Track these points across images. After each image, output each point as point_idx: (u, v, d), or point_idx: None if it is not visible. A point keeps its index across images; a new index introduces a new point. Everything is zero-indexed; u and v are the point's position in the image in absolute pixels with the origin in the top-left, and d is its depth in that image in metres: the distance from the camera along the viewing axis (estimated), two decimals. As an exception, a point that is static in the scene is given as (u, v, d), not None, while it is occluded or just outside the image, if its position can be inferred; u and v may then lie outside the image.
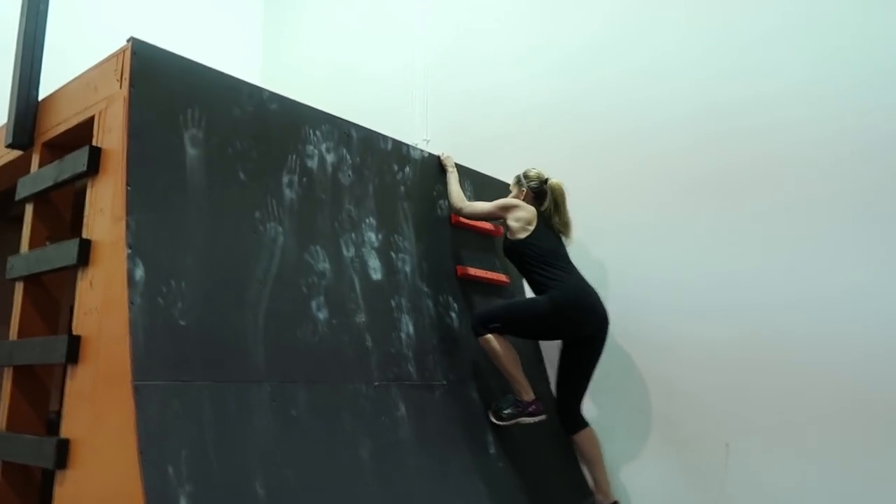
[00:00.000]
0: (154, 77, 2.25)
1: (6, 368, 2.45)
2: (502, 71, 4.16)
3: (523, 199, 3.15)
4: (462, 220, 3.32)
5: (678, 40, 3.41)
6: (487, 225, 3.45)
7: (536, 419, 2.93)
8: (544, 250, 3.00)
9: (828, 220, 2.87)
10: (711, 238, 3.18)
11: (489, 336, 2.92)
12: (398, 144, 3.17)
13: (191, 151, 2.28)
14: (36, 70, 2.68)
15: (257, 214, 2.43)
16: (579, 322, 2.98)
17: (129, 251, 2.01)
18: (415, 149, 3.27)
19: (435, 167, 3.34)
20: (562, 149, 3.70)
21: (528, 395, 2.94)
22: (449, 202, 3.25)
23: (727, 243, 3.12)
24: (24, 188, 2.57)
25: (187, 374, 2.01)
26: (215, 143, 2.37)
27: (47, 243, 2.60)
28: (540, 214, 3.09)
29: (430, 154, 3.34)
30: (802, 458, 2.79)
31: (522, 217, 3.05)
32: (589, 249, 3.51)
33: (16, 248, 2.57)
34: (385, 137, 3.11)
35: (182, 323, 2.06)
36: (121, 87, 2.22)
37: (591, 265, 3.38)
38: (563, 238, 3.14)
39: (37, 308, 2.48)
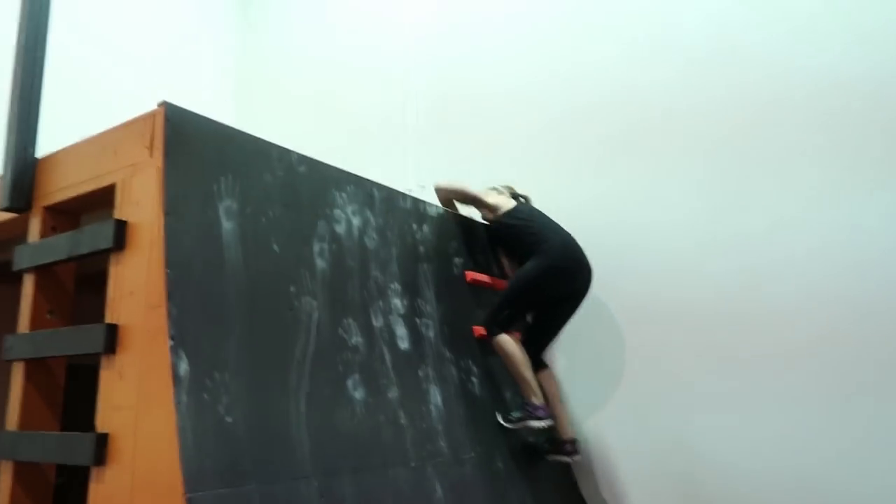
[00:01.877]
0: (187, 144, 2.08)
1: (3, 462, 2.19)
2: (496, 117, 4.10)
3: None
4: (477, 277, 3.23)
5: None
6: (501, 283, 3.36)
7: (544, 423, 2.91)
8: (526, 216, 3.17)
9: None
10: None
11: (502, 337, 2.95)
12: (416, 202, 3.06)
13: (226, 225, 2.11)
14: (33, 124, 2.45)
15: (292, 289, 2.27)
16: (572, 273, 3.05)
17: (172, 343, 1.82)
18: (430, 205, 3.16)
19: (449, 223, 3.24)
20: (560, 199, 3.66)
21: (538, 398, 2.93)
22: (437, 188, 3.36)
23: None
24: (24, 258, 2.32)
25: (238, 478, 1.83)
26: (250, 213, 2.20)
27: (49, 317, 2.35)
28: (520, 203, 3.31)
29: (444, 211, 3.24)
30: None
31: (499, 198, 3.27)
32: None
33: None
34: (404, 196, 2.99)
35: (228, 420, 1.88)
36: (151, 154, 2.04)
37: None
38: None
39: (42, 395, 2.23)
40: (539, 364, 3.13)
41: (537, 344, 3.16)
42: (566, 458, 3.06)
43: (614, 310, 3.42)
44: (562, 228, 3.14)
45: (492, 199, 3.29)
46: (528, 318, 3.23)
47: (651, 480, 3.22)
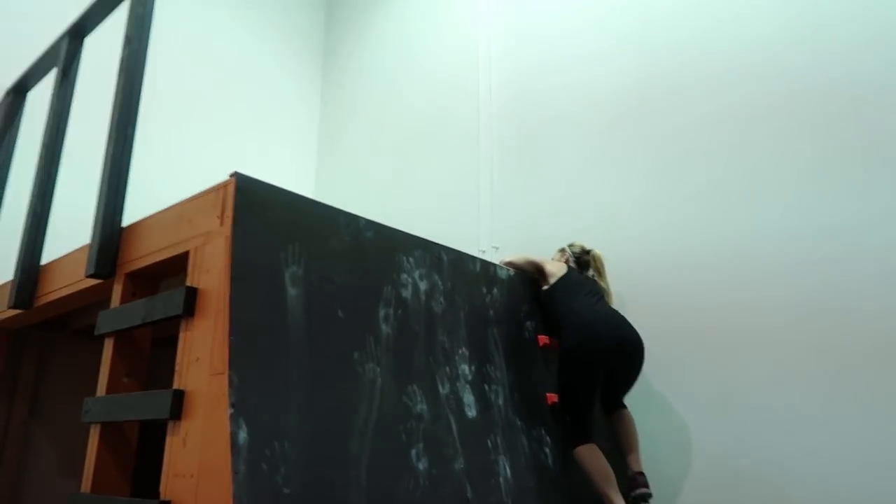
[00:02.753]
0: (256, 213, 2.13)
1: (78, 524, 2.24)
2: (573, 178, 4.04)
3: None
4: (549, 342, 3.13)
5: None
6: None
7: None
8: (570, 292, 3.10)
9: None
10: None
11: (577, 449, 2.83)
12: (486, 265, 3.02)
13: (291, 291, 2.13)
14: (121, 196, 2.59)
15: (356, 355, 2.25)
16: (602, 350, 2.91)
17: (232, 411, 1.82)
18: (501, 268, 3.11)
19: (520, 286, 3.18)
20: (636, 261, 3.53)
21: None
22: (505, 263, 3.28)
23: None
24: (106, 323, 2.42)
25: (293, 553, 1.79)
26: (315, 279, 2.22)
27: (125, 380, 2.43)
28: (572, 270, 3.25)
29: (515, 273, 3.18)
30: None
31: (554, 268, 3.23)
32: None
33: (75, 363, 2.40)
34: (473, 259, 2.96)
35: (286, 491, 1.85)
36: (221, 223, 2.10)
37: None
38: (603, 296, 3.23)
39: (113, 457, 2.28)
40: (618, 406, 3.09)
41: (610, 400, 3.10)
42: (645, 491, 2.87)
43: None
44: (601, 304, 3.09)
45: (549, 267, 3.24)
46: None
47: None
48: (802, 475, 2.84)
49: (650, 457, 3.07)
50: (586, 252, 3.40)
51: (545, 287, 3.21)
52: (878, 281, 2.81)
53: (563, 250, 3.44)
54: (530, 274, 3.29)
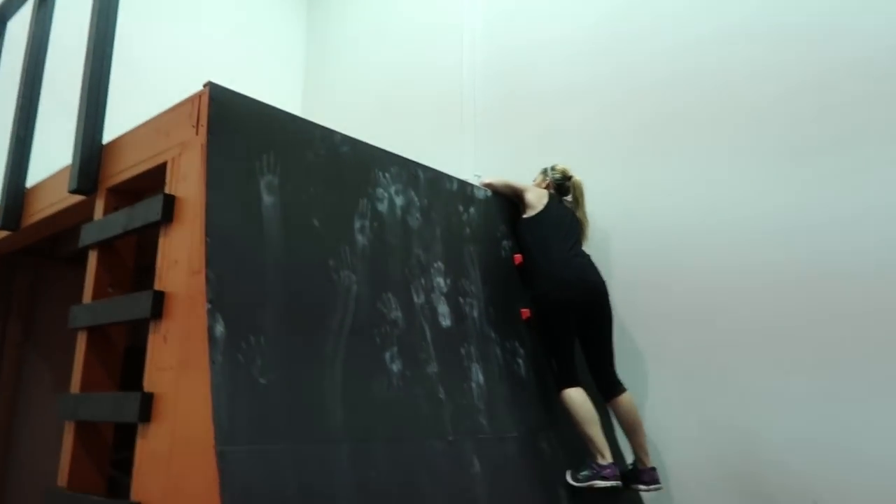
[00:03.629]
0: (231, 122, 2.18)
1: (67, 423, 2.36)
2: (555, 109, 4.07)
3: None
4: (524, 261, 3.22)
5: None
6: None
7: (611, 483, 2.75)
8: (548, 230, 3.10)
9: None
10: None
11: (563, 393, 2.86)
12: (463, 185, 3.09)
13: (267, 199, 2.20)
14: (101, 114, 2.63)
15: (331, 262, 2.34)
16: (570, 299, 2.95)
17: (210, 306, 1.91)
18: (478, 189, 3.18)
19: (498, 207, 3.25)
20: (619, 188, 3.59)
21: (604, 458, 2.78)
22: (483, 185, 3.34)
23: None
24: (89, 235, 2.50)
25: (269, 437, 1.90)
26: (290, 189, 2.28)
27: (110, 290, 2.52)
28: (552, 201, 3.22)
29: (492, 194, 3.25)
30: None
31: (535, 198, 3.21)
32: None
33: (65, 288, 2.49)
34: (451, 178, 3.02)
35: (262, 382, 1.96)
36: (197, 132, 2.15)
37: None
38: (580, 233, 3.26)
39: (99, 359, 2.39)
40: (614, 388, 3.01)
41: (598, 369, 3.05)
42: (644, 488, 2.90)
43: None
44: (571, 249, 3.07)
45: (530, 196, 3.23)
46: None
47: (709, 474, 3.10)
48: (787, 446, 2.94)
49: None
50: (567, 178, 3.39)
51: (524, 216, 3.23)
52: (863, 254, 2.83)
53: (544, 172, 3.44)
54: (509, 198, 3.34)
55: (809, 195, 2.98)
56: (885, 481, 2.63)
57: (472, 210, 3.08)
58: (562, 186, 3.38)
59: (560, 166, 3.44)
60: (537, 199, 3.21)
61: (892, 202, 2.77)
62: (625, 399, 2.99)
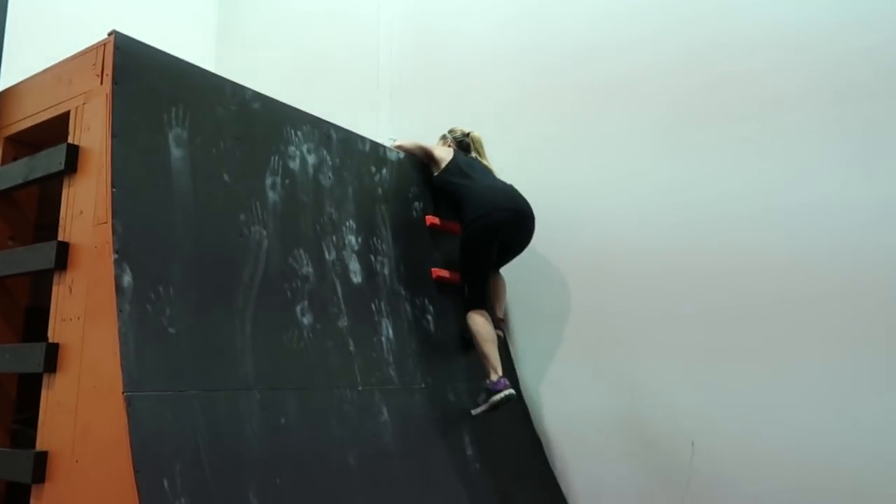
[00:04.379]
0: (137, 73, 2.16)
1: (-34, 376, 2.31)
2: (471, 72, 4.17)
3: None
4: (436, 222, 3.32)
5: None
6: (458, 227, 3.44)
7: (506, 393, 2.95)
8: (458, 171, 3.25)
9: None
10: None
11: (468, 314, 3.07)
12: (375, 146, 3.15)
13: (175, 152, 2.20)
14: (-5, 60, 2.54)
15: (242, 217, 2.37)
16: (504, 222, 3.11)
17: (116, 256, 1.92)
18: (391, 150, 3.25)
19: (410, 168, 3.33)
20: (536, 144, 3.74)
21: (497, 373, 2.99)
22: (396, 146, 3.41)
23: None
24: (-14, 185, 2.42)
25: (178, 383, 1.95)
26: (200, 143, 2.29)
27: (10, 243, 2.46)
28: (458, 153, 3.37)
29: (405, 156, 3.32)
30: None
31: (442, 153, 3.36)
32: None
33: None
34: (363, 139, 3.08)
35: (171, 331, 1.99)
36: (101, 82, 2.13)
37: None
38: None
39: (1, 313, 2.34)
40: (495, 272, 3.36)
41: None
42: (502, 395, 2.97)
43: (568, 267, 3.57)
44: (492, 179, 3.26)
45: (437, 152, 3.36)
46: None
47: (601, 419, 3.35)
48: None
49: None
50: (466, 135, 3.49)
51: (436, 173, 3.35)
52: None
53: (444, 137, 3.53)
54: (420, 158, 3.43)
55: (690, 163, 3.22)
56: (751, 421, 2.94)
57: (384, 171, 3.15)
58: (462, 143, 3.48)
59: (458, 128, 3.53)
60: (445, 153, 3.36)
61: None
62: (500, 275, 3.41)
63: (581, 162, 3.59)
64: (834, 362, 2.80)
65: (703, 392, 3.07)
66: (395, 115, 4.44)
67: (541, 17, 3.91)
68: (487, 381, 2.97)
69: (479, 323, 3.05)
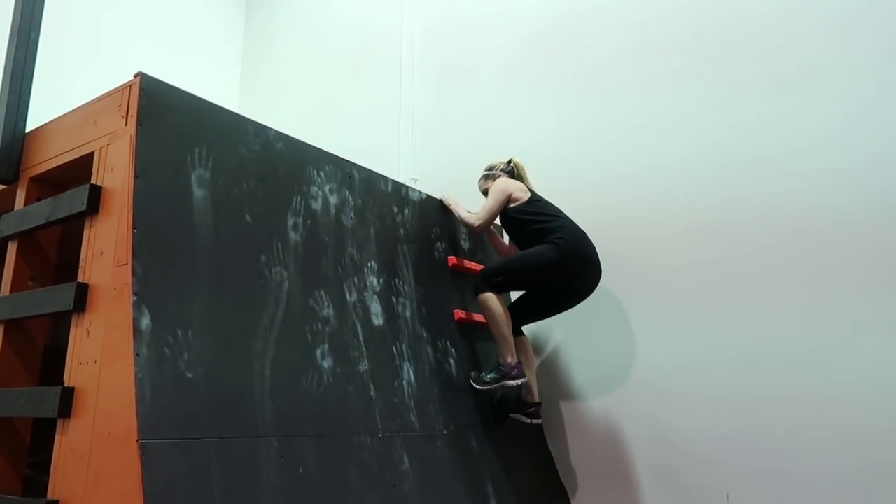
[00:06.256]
0: (161, 114, 2.15)
1: (-20, 419, 2.27)
2: (492, 111, 4.16)
3: None
4: (458, 263, 3.27)
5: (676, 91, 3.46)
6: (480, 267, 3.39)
7: (519, 382, 2.93)
8: (546, 206, 3.13)
9: (835, 275, 2.90)
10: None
11: (488, 294, 2.97)
12: (398, 186, 3.12)
13: (197, 192, 2.18)
14: (24, 101, 2.55)
15: (263, 258, 2.33)
16: (579, 272, 3.04)
17: (135, 298, 1.89)
18: (413, 190, 3.21)
19: (432, 209, 3.29)
20: (552, 190, 3.68)
21: (513, 358, 2.95)
22: (466, 226, 3.22)
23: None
24: (9, 225, 2.41)
25: (195, 430, 1.89)
26: (222, 183, 2.27)
27: (30, 283, 2.44)
28: (534, 193, 3.21)
29: (427, 196, 3.29)
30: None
31: (519, 187, 3.18)
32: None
33: None
34: (385, 179, 3.05)
35: (189, 375, 1.94)
36: (126, 123, 2.12)
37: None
38: None
39: (17, 354, 2.31)
40: (516, 332, 3.15)
41: (524, 318, 3.21)
42: (526, 420, 3.08)
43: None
44: (575, 223, 3.09)
45: (512, 188, 3.14)
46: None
47: (630, 469, 3.22)
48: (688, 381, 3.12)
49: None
50: (508, 163, 3.35)
51: (515, 206, 3.10)
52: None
53: (489, 176, 3.32)
54: (501, 208, 3.15)
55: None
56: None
57: (406, 211, 3.11)
58: (512, 173, 3.33)
59: (496, 161, 3.38)
60: (519, 189, 3.17)
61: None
62: (525, 339, 3.22)
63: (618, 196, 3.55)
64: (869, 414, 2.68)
65: (737, 442, 2.94)
66: (418, 154, 4.43)
67: (561, 51, 3.92)
68: (501, 362, 2.94)
69: (497, 304, 2.96)
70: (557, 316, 3.31)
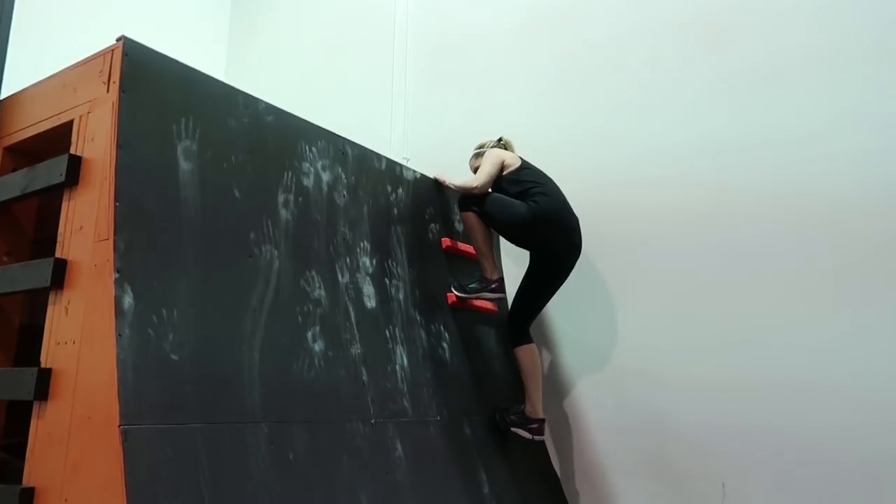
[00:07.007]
0: (146, 81, 2.03)
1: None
2: (486, 90, 4.06)
3: None
4: (452, 245, 3.18)
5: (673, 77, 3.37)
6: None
7: (498, 296, 3.03)
8: (534, 173, 3.08)
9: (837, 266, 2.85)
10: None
11: (469, 214, 3.02)
12: (392, 164, 3.01)
13: (184, 165, 2.06)
14: (-2, 66, 2.42)
15: (252, 236, 2.22)
16: (554, 240, 2.98)
17: (117, 276, 1.78)
18: (407, 169, 3.11)
19: (427, 188, 3.19)
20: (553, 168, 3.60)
21: (494, 274, 3.04)
22: (463, 193, 3.07)
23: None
24: (-20, 198, 2.28)
25: (180, 415, 1.79)
26: (210, 156, 2.16)
27: (5, 259, 2.32)
28: (524, 161, 3.17)
29: (422, 175, 3.19)
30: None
31: (510, 155, 3.15)
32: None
33: None
34: (379, 156, 2.95)
35: (174, 357, 1.84)
36: (108, 90, 2.00)
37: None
38: None
39: (-7, 333, 2.20)
40: (524, 338, 3.06)
41: (524, 315, 3.09)
42: (528, 436, 2.95)
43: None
44: (561, 191, 3.05)
45: (505, 156, 3.09)
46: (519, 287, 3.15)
47: (624, 458, 3.17)
48: (679, 369, 3.06)
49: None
50: (499, 140, 3.29)
51: (506, 175, 3.04)
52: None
53: (480, 155, 3.23)
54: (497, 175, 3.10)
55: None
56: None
57: (399, 190, 3.01)
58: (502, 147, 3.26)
59: (486, 139, 3.31)
60: (511, 157, 3.13)
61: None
62: (531, 348, 3.06)
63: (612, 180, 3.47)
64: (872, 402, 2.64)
65: (734, 430, 2.89)
66: (410, 133, 4.32)
67: (558, 31, 3.81)
68: (483, 277, 3.03)
69: (476, 221, 3.00)
70: (550, 302, 3.23)
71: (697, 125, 3.22)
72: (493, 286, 3.00)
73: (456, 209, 3.26)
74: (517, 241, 3.13)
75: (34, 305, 2.51)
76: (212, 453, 1.81)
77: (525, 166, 3.09)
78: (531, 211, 2.90)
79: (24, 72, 2.48)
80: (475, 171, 3.24)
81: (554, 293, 3.12)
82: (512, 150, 3.25)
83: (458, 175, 3.22)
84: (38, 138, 2.25)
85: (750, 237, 2.99)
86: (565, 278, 3.07)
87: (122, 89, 1.96)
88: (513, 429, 2.97)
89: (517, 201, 2.95)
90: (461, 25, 4.27)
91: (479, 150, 3.29)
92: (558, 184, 3.09)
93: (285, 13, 5.33)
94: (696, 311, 3.08)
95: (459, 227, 3.32)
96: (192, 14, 5.27)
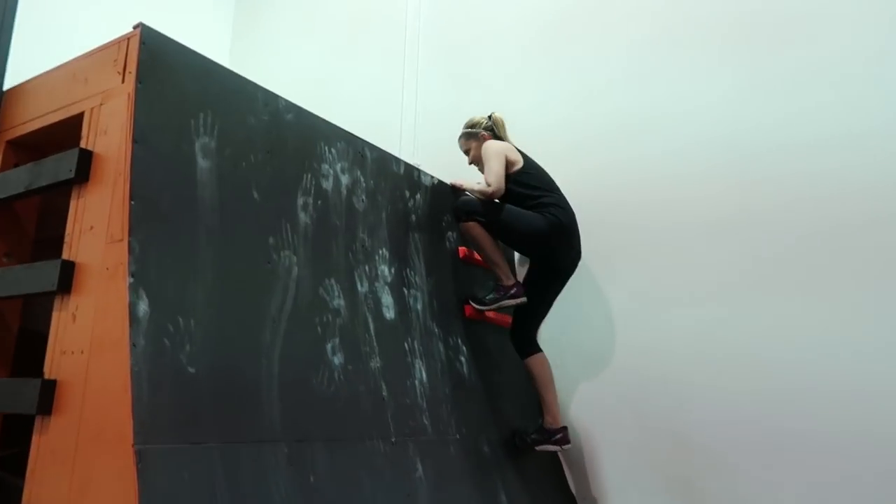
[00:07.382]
0: (164, 72, 1.90)
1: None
2: (497, 93, 3.95)
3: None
4: (470, 254, 3.07)
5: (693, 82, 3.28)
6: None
7: (518, 301, 2.89)
8: (539, 175, 2.99)
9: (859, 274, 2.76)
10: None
11: (471, 224, 2.85)
12: (409, 168, 2.89)
13: (202, 163, 1.93)
14: (2, 55, 2.27)
15: (271, 240, 2.09)
16: (563, 251, 2.93)
17: (132, 280, 1.64)
18: (425, 174, 2.99)
19: (444, 195, 3.06)
20: (559, 177, 3.49)
21: (510, 279, 2.91)
22: (484, 196, 2.86)
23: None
24: (-20, 194, 2.14)
25: (197, 434, 1.65)
26: (229, 154, 2.02)
27: (5, 260, 2.17)
28: (527, 157, 3.05)
29: (439, 181, 3.06)
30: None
31: (510, 148, 3.00)
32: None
33: None
34: (397, 160, 2.82)
35: (191, 370, 1.70)
36: (123, 80, 1.86)
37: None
38: None
39: (-10, 339, 2.04)
40: (533, 348, 2.97)
41: (530, 324, 3.00)
42: (555, 448, 2.86)
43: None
44: (565, 197, 2.99)
45: (508, 152, 2.95)
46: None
47: (645, 478, 3.04)
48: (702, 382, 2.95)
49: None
50: (488, 118, 3.14)
51: (513, 170, 2.92)
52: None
53: (472, 136, 3.10)
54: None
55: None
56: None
57: (418, 196, 2.89)
58: (491, 129, 3.13)
59: (476, 117, 3.17)
60: (513, 153, 2.98)
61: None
62: (542, 357, 2.97)
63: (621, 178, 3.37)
64: None
65: (761, 447, 2.78)
66: (419, 135, 4.21)
67: (574, 35, 3.72)
68: (500, 286, 2.90)
69: (480, 231, 2.84)
70: (563, 312, 3.14)
71: (713, 129, 3.13)
72: (512, 291, 2.89)
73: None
74: (524, 250, 3.08)
75: (32, 309, 2.37)
76: (230, 475, 1.67)
77: (528, 167, 2.97)
78: (549, 224, 2.82)
79: (26, 61, 2.35)
80: (466, 151, 3.17)
81: (555, 300, 3.04)
82: (504, 131, 3.14)
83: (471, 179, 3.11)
84: (44, 131, 2.11)
85: (776, 241, 2.90)
86: (565, 284, 3.02)
87: (138, 80, 1.82)
88: (537, 448, 2.84)
89: (531, 213, 2.85)
90: (474, 25, 4.17)
91: (471, 130, 3.14)
92: (569, 186, 3.04)
93: (291, 7, 5.21)
94: (720, 316, 2.97)
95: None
96: (194, 5, 5.13)
